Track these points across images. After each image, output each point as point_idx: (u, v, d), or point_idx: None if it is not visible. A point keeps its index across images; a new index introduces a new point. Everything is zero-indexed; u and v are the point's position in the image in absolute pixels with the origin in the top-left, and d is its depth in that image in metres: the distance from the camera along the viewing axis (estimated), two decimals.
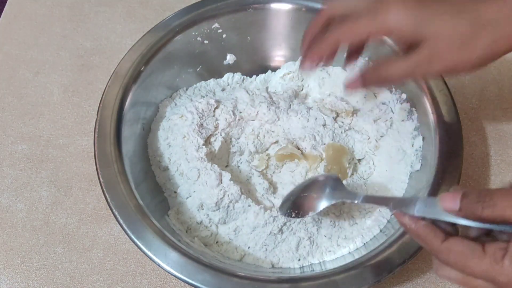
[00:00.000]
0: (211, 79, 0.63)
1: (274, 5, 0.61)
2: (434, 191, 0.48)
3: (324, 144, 0.56)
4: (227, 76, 0.63)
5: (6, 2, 0.73)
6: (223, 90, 0.62)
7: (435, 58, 0.40)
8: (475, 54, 0.40)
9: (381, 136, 0.58)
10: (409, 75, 0.44)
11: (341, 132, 0.57)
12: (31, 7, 0.72)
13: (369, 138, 0.58)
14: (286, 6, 0.61)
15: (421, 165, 0.53)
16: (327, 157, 0.56)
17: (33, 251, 0.54)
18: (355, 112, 0.59)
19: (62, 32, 0.70)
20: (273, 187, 0.55)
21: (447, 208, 0.35)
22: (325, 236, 0.51)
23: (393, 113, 0.58)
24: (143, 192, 0.50)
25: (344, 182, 0.54)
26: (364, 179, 0.56)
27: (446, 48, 0.40)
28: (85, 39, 0.70)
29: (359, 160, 0.58)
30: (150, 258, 0.45)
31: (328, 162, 0.56)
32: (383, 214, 0.52)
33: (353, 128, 0.59)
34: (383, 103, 0.59)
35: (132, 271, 0.53)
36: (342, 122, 0.58)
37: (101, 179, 0.48)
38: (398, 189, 0.54)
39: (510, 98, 0.64)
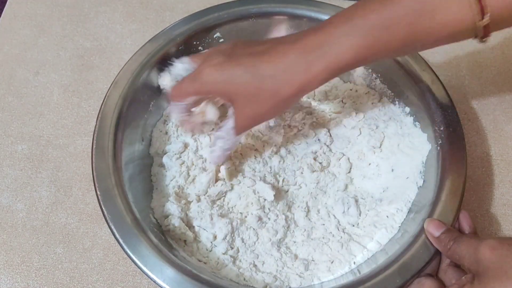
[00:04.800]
0: None
1: (276, 15, 0.60)
2: (434, 210, 0.47)
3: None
4: None
5: (6, 2, 0.73)
6: None
7: (240, 114, 0.47)
8: (265, 106, 0.46)
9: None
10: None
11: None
12: (31, 7, 0.72)
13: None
14: (288, 16, 0.60)
15: (424, 181, 0.52)
16: None
17: (33, 251, 0.54)
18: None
19: (62, 32, 0.70)
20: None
21: (428, 230, 0.44)
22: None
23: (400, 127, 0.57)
24: (142, 202, 0.50)
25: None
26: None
27: (242, 105, 0.46)
28: (85, 39, 0.70)
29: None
30: (146, 275, 0.44)
31: None
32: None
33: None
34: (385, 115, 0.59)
35: (132, 271, 0.53)
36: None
37: (98, 192, 0.48)
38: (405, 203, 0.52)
39: (510, 98, 0.64)
